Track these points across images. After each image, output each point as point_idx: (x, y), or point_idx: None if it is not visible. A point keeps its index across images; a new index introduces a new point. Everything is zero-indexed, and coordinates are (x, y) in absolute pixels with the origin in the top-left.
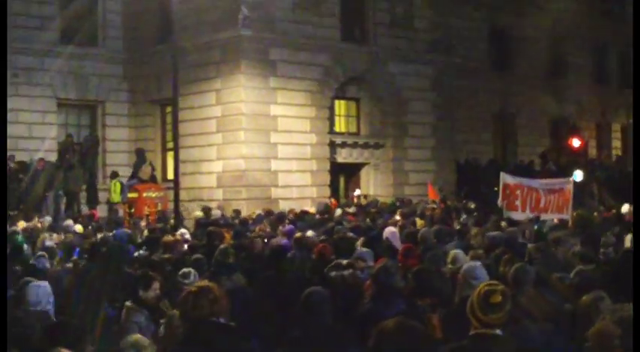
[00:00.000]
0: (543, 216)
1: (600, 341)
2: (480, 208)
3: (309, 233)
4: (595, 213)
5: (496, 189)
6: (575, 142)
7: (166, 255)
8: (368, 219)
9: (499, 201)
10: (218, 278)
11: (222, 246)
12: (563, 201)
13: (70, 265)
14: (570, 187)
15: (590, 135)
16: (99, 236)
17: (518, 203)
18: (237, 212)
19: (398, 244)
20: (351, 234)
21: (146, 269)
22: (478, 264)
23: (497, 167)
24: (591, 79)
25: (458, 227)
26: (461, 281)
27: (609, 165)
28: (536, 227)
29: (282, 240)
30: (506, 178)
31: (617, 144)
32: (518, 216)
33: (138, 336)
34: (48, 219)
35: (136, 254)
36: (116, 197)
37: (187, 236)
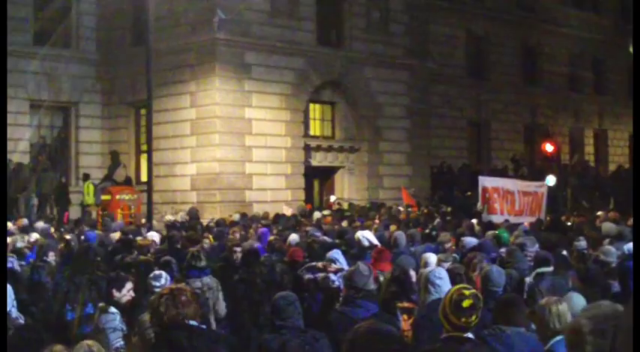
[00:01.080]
0: (518, 220)
1: (571, 337)
2: (453, 213)
3: (293, 236)
4: (572, 218)
5: (469, 193)
6: (549, 147)
7: (142, 257)
8: (345, 223)
9: (479, 205)
10: (189, 281)
11: (192, 249)
12: (536, 204)
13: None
14: (544, 191)
15: (563, 140)
16: (68, 237)
17: (497, 206)
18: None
19: (377, 242)
20: (325, 238)
21: (119, 270)
22: (440, 268)
23: (470, 172)
24: (565, 85)
25: (426, 231)
26: (423, 285)
27: (581, 170)
28: (497, 232)
29: (255, 243)
30: (484, 182)
31: (589, 149)
32: (497, 219)
33: (91, 342)
34: (25, 221)
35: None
36: (89, 199)
37: (156, 238)
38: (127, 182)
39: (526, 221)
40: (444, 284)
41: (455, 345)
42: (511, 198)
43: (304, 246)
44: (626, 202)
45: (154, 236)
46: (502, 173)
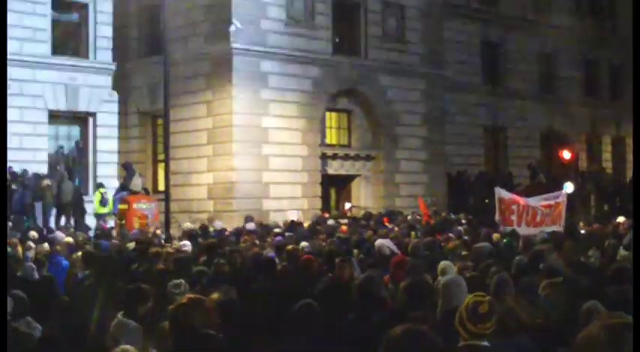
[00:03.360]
0: (538, 230)
1: (586, 346)
2: (469, 220)
3: (303, 244)
4: (594, 225)
5: (487, 201)
6: (566, 154)
7: (159, 266)
8: (369, 232)
9: (496, 217)
10: (207, 290)
11: (218, 259)
12: (557, 213)
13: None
14: (564, 200)
15: (581, 147)
16: (87, 247)
17: (514, 218)
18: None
19: (397, 250)
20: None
21: (139, 283)
22: (458, 276)
23: (486, 179)
24: (581, 91)
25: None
26: (440, 294)
27: (598, 177)
28: (505, 240)
29: (270, 252)
30: (500, 193)
31: (607, 156)
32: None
33: (129, 347)
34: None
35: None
36: (98, 207)
37: (187, 248)
38: (145, 191)
39: (547, 231)
40: (461, 293)
41: None
42: (532, 211)
43: (320, 254)
44: None
45: (186, 245)
46: (512, 179)
